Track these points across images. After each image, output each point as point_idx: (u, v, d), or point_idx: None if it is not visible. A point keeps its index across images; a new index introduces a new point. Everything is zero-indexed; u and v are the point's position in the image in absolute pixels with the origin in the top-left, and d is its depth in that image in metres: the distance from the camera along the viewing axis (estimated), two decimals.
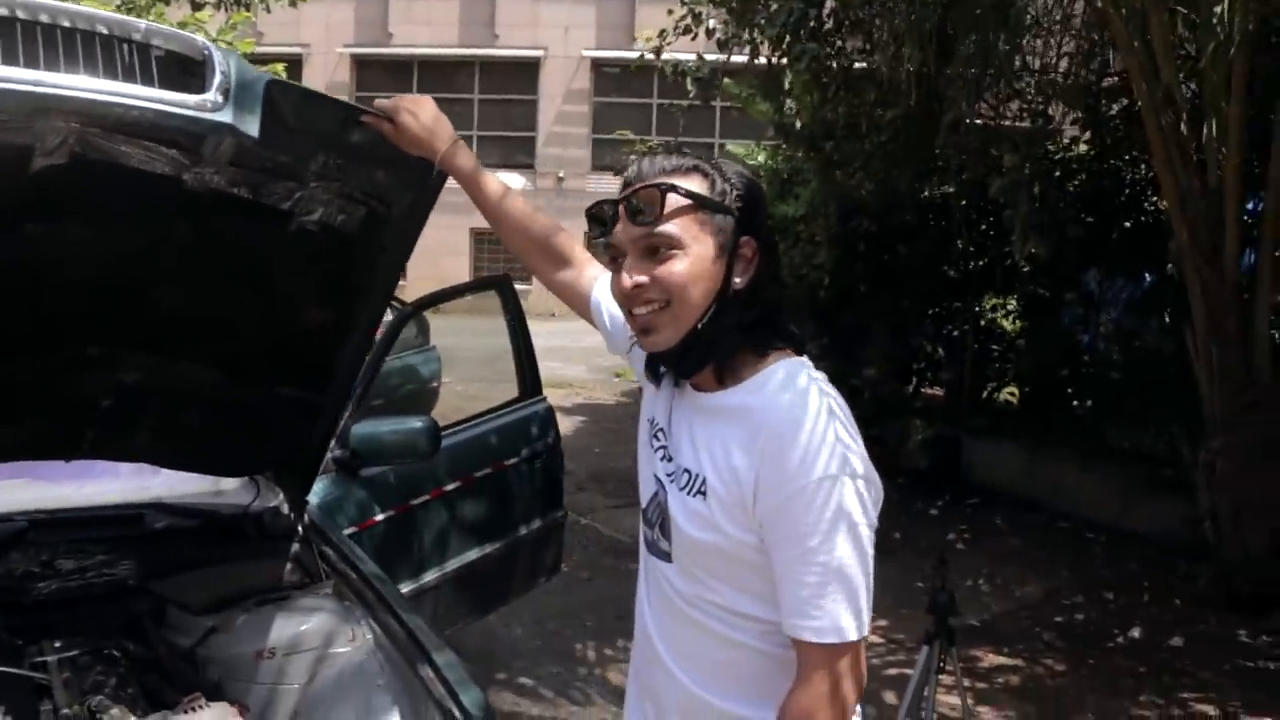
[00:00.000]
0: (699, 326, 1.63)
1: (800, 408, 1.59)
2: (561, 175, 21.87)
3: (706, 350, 1.65)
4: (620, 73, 20.51)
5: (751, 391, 1.64)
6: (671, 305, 1.62)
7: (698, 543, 1.66)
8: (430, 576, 3.92)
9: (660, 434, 1.77)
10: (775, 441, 1.57)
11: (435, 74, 21.34)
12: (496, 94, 22.11)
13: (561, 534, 4.72)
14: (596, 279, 2.02)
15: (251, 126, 1.90)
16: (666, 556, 1.73)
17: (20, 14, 1.72)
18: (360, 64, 22.67)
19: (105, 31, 1.80)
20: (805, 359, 1.70)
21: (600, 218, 1.68)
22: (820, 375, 1.68)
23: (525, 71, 22.35)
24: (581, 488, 7.82)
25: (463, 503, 4.13)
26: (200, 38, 1.94)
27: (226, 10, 9.38)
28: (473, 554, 4.14)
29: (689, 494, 1.67)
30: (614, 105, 21.68)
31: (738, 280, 1.64)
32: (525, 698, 4.51)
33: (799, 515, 1.55)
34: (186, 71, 1.86)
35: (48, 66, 1.72)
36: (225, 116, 1.86)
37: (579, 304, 2.06)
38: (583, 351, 13.48)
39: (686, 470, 1.68)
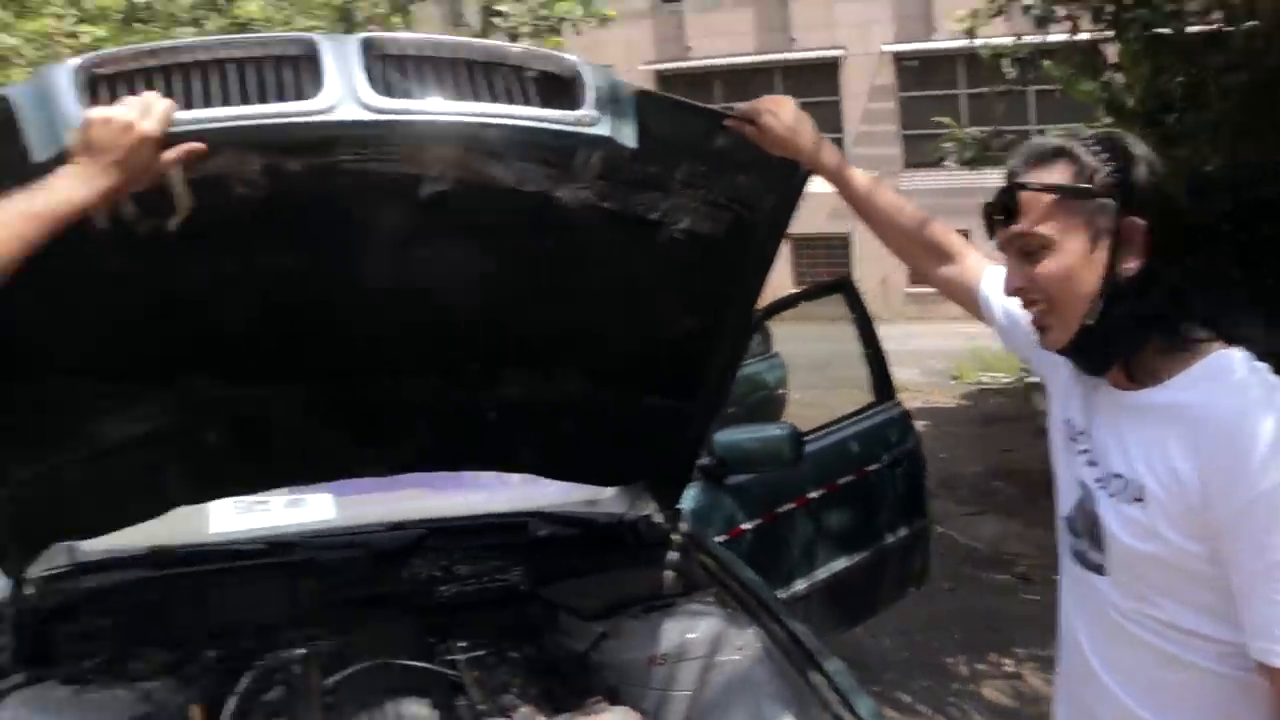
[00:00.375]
0: (1090, 322, 1.50)
1: (1247, 404, 1.42)
2: (876, 174, 21.25)
3: (1104, 346, 1.52)
4: (920, 65, 19.81)
5: (1184, 388, 1.48)
6: (1055, 305, 1.51)
7: (1136, 553, 1.51)
8: (800, 586, 3.86)
9: (1080, 436, 1.63)
10: (1223, 442, 1.40)
11: (735, 83, 21.31)
12: (798, 97, 21.53)
13: (927, 542, 4.56)
14: (983, 271, 1.90)
15: (628, 138, 1.91)
16: (1098, 568, 1.59)
17: (409, 50, 1.81)
18: (662, 79, 23.07)
19: (482, 59, 1.86)
20: (1241, 350, 1.51)
21: (988, 218, 1.58)
22: (1262, 366, 1.48)
23: (825, 73, 21.96)
24: (933, 494, 7.56)
25: (828, 511, 4.05)
26: (570, 56, 1.97)
27: (540, 38, 9.80)
28: (841, 563, 4.06)
29: (1123, 501, 1.52)
30: (920, 99, 20.90)
31: (1127, 266, 1.48)
32: (901, 712, 4.39)
33: (1263, 524, 1.38)
34: (559, 90, 1.90)
35: (429, 96, 1.80)
36: (603, 130, 1.89)
37: (966, 299, 1.94)
38: (913, 354, 13.07)
39: (1118, 475, 1.53)
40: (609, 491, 3.06)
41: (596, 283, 2.32)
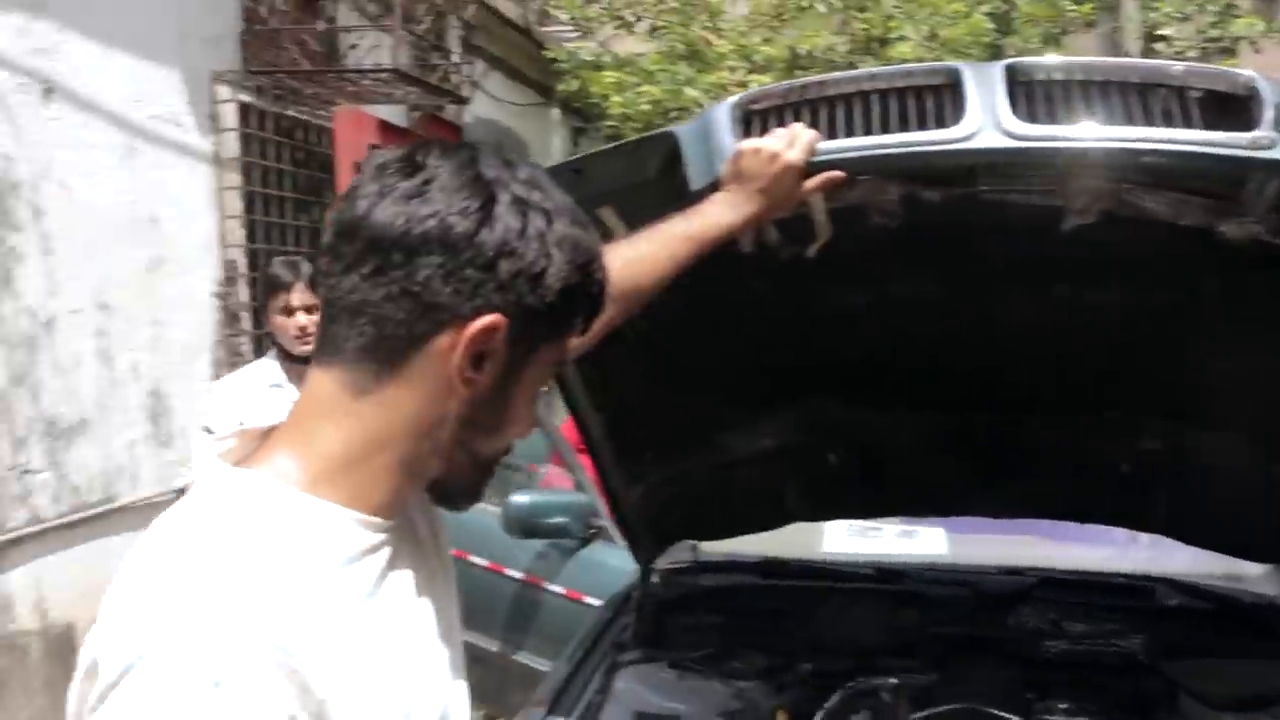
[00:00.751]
0: None
1: None
2: None
3: None
4: None
5: None
6: None
7: None
8: None
9: None
10: None
11: None
12: None
13: None
14: None
15: None
16: None
17: (1056, 74, 1.71)
18: None
19: (1137, 80, 1.72)
20: None
21: None
22: None
23: None
24: None
25: None
26: (1245, 70, 1.75)
27: (1208, 60, 8.89)
28: None
29: None
30: None
31: None
32: None
33: None
34: (1229, 110, 1.69)
35: (1077, 122, 1.69)
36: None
37: None
38: None
39: None
40: (1256, 568, 2.70)
41: (1261, 331, 2.06)
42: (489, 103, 8.95)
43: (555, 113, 10.43)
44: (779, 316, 2.19)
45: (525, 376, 1.01)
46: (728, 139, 1.72)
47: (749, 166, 1.65)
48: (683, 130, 1.82)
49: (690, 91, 7.28)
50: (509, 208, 0.96)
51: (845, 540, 2.98)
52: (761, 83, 7.10)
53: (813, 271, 1.93)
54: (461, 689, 1.10)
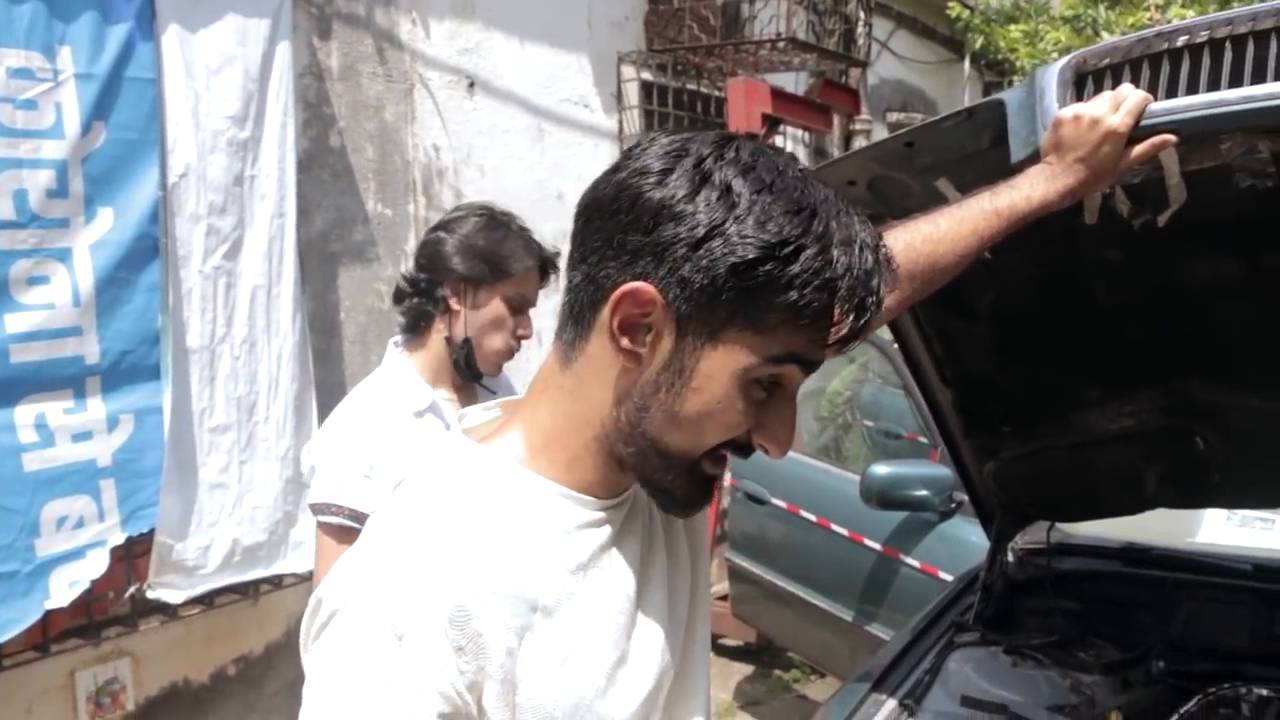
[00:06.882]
0: None
1: None
2: None
3: None
4: None
5: None
6: None
7: None
8: None
9: None
10: None
11: None
12: None
13: None
14: None
15: None
16: None
17: None
18: None
19: None
20: None
21: None
22: None
23: None
24: None
25: None
26: None
27: None
28: None
29: None
30: None
31: None
32: None
33: None
34: None
35: None
36: None
37: None
38: None
39: None
40: None
41: None
42: (895, 62, 8.78)
43: (966, 68, 10.06)
44: (1137, 290, 2.03)
45: (707, 366, 0.92)
46: (1052, 105, 1.59)
47: (1067, 135, 1.51)
48: (1009, 97, 1.72)
49: (1106, 36, 6.75)
50: (686, 173, 0.91)
51: (1225, 530, 2.71)
52: (1185, 19, 6.39)
53: (1172, 241, 1.78)
54: (688, 679, 1.09)
